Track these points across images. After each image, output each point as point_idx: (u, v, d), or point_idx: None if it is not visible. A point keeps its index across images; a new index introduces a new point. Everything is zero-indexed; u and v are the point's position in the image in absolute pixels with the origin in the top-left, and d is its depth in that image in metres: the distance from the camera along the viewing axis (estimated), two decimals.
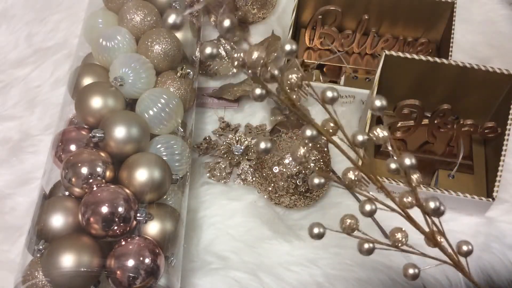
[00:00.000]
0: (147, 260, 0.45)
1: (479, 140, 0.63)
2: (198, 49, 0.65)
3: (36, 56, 0.72)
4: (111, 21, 0.60)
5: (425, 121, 0.59)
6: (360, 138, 0.36)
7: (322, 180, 0.35)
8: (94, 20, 0.60)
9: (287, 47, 0.33)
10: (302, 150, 0.34)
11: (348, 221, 0.37)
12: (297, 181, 0.57)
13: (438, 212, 0.37)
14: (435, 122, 0.58)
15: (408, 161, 0.35)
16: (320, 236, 0.36)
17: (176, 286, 0.50)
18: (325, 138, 0.36)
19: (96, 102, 0.52)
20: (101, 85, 0.54)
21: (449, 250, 0.39)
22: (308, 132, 0.34)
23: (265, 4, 0.75)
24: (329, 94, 0.35)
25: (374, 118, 0.64)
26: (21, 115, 0.67)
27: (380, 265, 0.57)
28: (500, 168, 0.56)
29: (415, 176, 0.38)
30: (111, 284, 0.46)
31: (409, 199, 0.37)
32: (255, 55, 0.31)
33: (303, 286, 0.56)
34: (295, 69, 0.34)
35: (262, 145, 0.33)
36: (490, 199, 0.56)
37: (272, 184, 0.58)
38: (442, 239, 0.39)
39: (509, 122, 0.57)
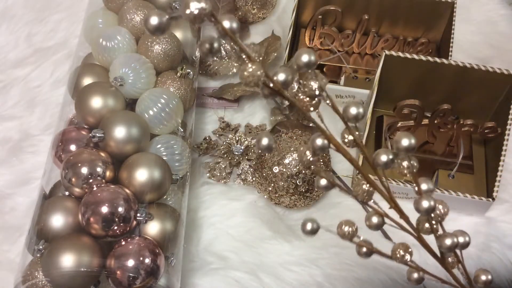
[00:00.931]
0: (147, 260, 0.45)
1: (479, 140, 0.63)
2: (198, 49, 0.65)
3: (36, 56, 0.72)
4: (111, 21, 0.60)
5: (425, 121, 0.59)
6: (384, 159, 0.32)
7: (380, 220, 0.34)
8: (94, 20, 0.60)
9: (304, 59, 0.30)
10: (308, 156, 0.32)
11: (346, 228, 0.35)
12: (297, 181, 0.57)
13: (463, 245, 0.35)
14: (435, 122, 0.58)
15: (406, 141, 0.31)
16: (313, 231, 0.34)
17: (176, 286, 0.50)
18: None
19: (96, 102, 0.52)
20: (101, 85, 0.54)
21: (461, 279, 0.37)
22: (319, 142, 0.33)
23: (265, 4, 0.75)
24: (353, 111, 0.32)
25: (374, 118, 0.64)
26: (21, 115, 0.67)
27: (380, 265, 0.57)
28: (500, 168, 0.56)
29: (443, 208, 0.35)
30: (111, 284, 0.46)
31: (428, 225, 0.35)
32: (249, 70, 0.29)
33: (303, 286, 0.56)
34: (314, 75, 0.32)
35: (264, 141, 0.30)
36: (490, 199, 0.56)
37: (272, 184, 0.58)
38: (460, 267, 0.36)
39: (509, 122, 0.57)
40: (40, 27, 0.74)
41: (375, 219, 0.34)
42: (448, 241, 0.33)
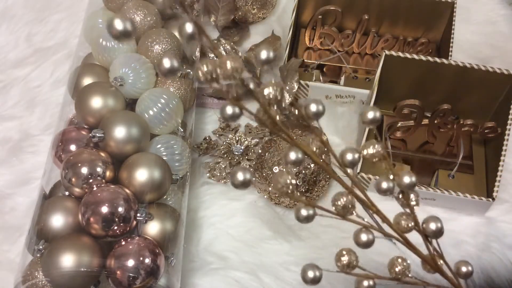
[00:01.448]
0: (147, 260, 0.45)
1: (479, 140, 0.63)
2: (198, 49, 0.65)
3: (36, 56, 0.72)
4: None
5: (425, 121, 0.59)
6: (349, 157, 0.32)
7: (311, 212, 0.32)
8: (94, 20, 0.60)
9: (263, 55, 0.29)
10: (287, 179, 0.31)
11: (346, 258, 0.33)
12: (297, 181, 0.57)
13: (439, 233, 0.34)
14: (435, 122, 0.58)
15: (407, 179, 0.31)
16: (316, 281, 0.32)
17: (176, 286, 0.50)
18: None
19: (96, 102, 0.52)
20: (101, 85, 0.54)
21: (449, 273, 0.36)
22: (293, 156, 0.31)
23: (265, 4, 0.75)
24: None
25: None
26: (21, 115, 0.67)
27: (380, 265, 0.57)
28: (500, 168, 0.56)
29: (413, 196, 0.34)
30: (111, 284, 0.46)
31: (407, 223, 0.34)
32: (229, 65, 0.28)
33: (303, 286, 0.56)
34: (272, 80, 0.32)
35: (240, 176, 0.30)
36: (490, 199, 0.56)
37: (272, 184, 0.58)
38: (441, 262, 0.36)
39: (509, 122, 0.57)
40: (40, 27, 0.74)
41: (364, 237, 0.33)
42: (432, 225, 0.33)
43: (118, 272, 0.45)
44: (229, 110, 0.30)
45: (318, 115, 0.31)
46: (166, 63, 0.27)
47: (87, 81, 0.55)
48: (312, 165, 0.57)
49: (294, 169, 0.57)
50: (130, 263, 0.45)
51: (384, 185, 0.32)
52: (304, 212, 0.32)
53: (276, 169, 0.57)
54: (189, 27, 0.27)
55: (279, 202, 0.60)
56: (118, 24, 0.26)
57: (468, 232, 0.59)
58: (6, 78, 0.70)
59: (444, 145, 0.62)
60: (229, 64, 0.28)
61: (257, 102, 0.31)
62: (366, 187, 0.60)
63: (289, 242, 0.58)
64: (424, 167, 0.62)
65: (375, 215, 0.34)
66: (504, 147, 0.57)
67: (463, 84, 0.59)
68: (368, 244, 0.33)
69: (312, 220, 0.32)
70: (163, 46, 0.57)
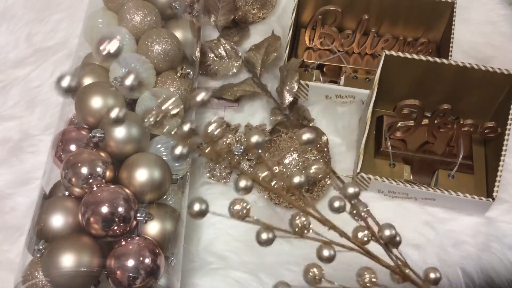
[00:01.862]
0: (147, 260, 0.45)
1: (479, 140, 0.63)
2: (198, 49, 0.65)
3: (36, 56, 0.72)
4: (111, 21, 0.60)
5: (425, 121, 0.59)
6: (296, 180, 0.35)
7: (271, 235, 0.34)
8: (94, 20, 0.60)
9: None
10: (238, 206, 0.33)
11: (312, 270, 0.35)
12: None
13: (394, 241, 0.35)
14: (435, 122, 0.58)
15: (351, 189, 0.34)
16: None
17: (176, 286, 0.50)
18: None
19: (96, 102, 0.52)
20: (101, 85, 0.54)
21: (417, 280, 0.37)
22: (242, 184, 0.34)
23: (265, 4, 0.75)
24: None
25: (374, 118, 0.64)
26: (21, 115, 0.67)
27: (380, 265, 0.57)
28: (500, 168, 0.56)
29: (363, 208, 0.36)
30: (111, 284, 0.46)
31: (364, 233, 0.35)
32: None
33: (303, 286, 0.56)
34: (216, 117, 0.33)
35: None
36: (490, 199, 0.56)
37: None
38: (407, 270, 0.37)
39: (509, 122, 0.57)
40: (40, 27, 0.74)
41: (326, 252, 0.34)
42: (387, 232, 0.35)
43: (118, 272, 0.45)
44: (178, 150, 0.32)
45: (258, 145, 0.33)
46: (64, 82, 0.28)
47: (87, 81, 0.55)
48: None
49: (294, 169, 0.57)
50: (130, 263, 0.45)
51: (336, 204, 0.35)
52: (264, 236, 0.35)
53: (276, 169, 0.57)
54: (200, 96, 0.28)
55: (279, 202, 0.60)
56: (65, 81, 0.27)
57: (468, 232, 0.59)
58: (6, 78, 0.70)
59: (444, 145, 0.62)
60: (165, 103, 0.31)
61: (203, 140, 0.33)
62: (366, 187, 0.60)
63: (289, 242, 0.58)
64: (424, 167, 0.62)
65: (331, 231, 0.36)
66: (504, 147, 0.57)
67: (463, 84, 0.59)
68: (330, 259, 0.35)
69: (271, 243, 0.35)
70: (163, 46, 0.57)
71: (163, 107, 0.30)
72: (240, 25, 0.74)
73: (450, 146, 0.62)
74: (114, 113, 0.28)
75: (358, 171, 0.58)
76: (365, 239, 0.35)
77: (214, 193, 0.61)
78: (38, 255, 0.47)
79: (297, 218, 0.35)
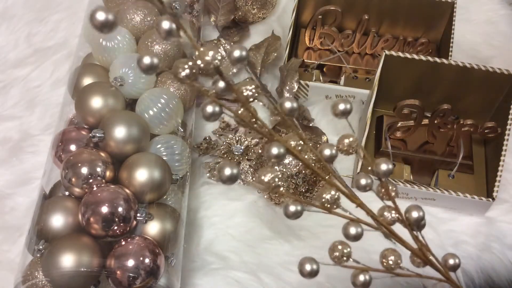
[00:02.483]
0: (147, 260, 0.45)
1: (479, 140, 0.63)
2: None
3: (36, 56, 0.72)
4: None
5: (425, 121, 0.59)
6: (327, 152, 0.33)
7: (299, 207, 0.32)
8: None
9: (236, 53, 0.29)
10: (269, 176, 0.32)
11: (340, 247, 0.34)
12: (297, 181, 0.57)
13: (420, 224, 0.35)
14: (435, 122, 0.58)
15: (384, 166, 0.32)
16: (313, 274, 0.33)
17: (176, 286, 0.50)
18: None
19: (96, 102, 0.52)
20: (101, 85, 0.54)
21: (438, 265, 0.36)
22: (275, 150, 0.31)
23: (265, 4, 0.75)
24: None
25: (374, 118, 0.64)
26: (21, 115, 0.67)
27: (380, 265, 0.57)
28: (500, 168, 0.56)
29: (392, 187, 0.35)
30: (111, 284, 0.46)
31: (390, 214, 0.34)
32: (208, 56, 0.28)
33: (303, 286, 0.56)
34: (247, 79, 0.32)
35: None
36: (490, 199, 0.56)
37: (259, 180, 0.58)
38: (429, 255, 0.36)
39: (509, 122, 0.57)
40: (40, 27, 0.74)
41: (353, 230, 0.33)
42: (414, 214, 0.34)
43: (118, 272, 0.45)
44: (209, 108, 0.30)
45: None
46: (146, 60, 0.27)
47: (87, 81, 0.55)
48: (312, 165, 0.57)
49: (294, 169, 0.57)
50: (130, 263, 0.45)
51: (363, 181, 0.33)
52: (292, 208, 0.32)
53: (276, 169, 0.57)
54: (166, 24, 0.27)
55: (279, 202, 0.60)
56: (100, 15, 0.26)
57: (468, 232, 0.59)
58: (6, 78, 0.70)
59: (444, 145, 0.62)
60: (208, 53, 0.28)
61: (237, 99, 0.31)
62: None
63: (289, 242, 0.58)
64: (424, 167, 0.62)
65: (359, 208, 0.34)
66: (504, 147, 0.57)
67: (463, 84, 0.59)
68: (357, 237, 0.34)
69: (300, 215, 0.33)
70: (163, 46, 0.57)
71: (205, 57, 0.28)
72: (240, 25, 0.74)
73: (450, 146, 0.62)
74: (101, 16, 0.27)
75: (358, 171, 0.58)
76: (391, 219, 0.34)
77: (214, 193, 0.61)
78: (38, 255, 0.47)
79: (327, 192, 0.33)
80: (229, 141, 0.64)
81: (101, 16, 0.26)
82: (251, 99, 0.31)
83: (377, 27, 0.69)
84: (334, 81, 0.69)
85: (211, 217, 0.60)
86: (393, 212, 0.35)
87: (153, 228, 0.49)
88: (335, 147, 0.34)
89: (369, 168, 0.34)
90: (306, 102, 0.67)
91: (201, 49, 0.29)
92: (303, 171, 0.56)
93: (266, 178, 0.32)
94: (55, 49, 0.73)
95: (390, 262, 0.35)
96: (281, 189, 0.32)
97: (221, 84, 0.30)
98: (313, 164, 0.34)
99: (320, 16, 0.67)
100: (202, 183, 0.62)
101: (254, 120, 0.32)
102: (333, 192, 0.33)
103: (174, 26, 0.27)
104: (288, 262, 0.57)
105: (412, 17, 0.67)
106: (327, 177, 0.34)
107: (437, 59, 0.58)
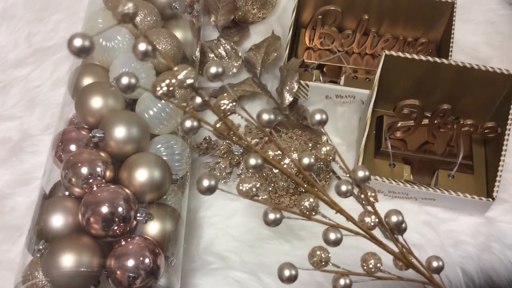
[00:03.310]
0: (147, 260, 0.45)
1: (479, 140, 0.63)
2: (198, 49, 0.65)
3: (36, 56, 0.72)
4: (111, 21, 0.60)
5: (425, 121, 0.59)
6: (306, 161, 0.34)
7: (278, 215, 0.34)
8: (94, 20, 0.60)
9: (213, 70, 0.31)
10: (246, 186, 0.33)
11: (318, 253, 0.35)
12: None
13: (401, 228, 0.35)
14: (435, 122, 0.58)
15: (361, 173, 0.33)
16: (291, 279, 0.34)
17: (176, 286, 0.50)
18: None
19: (96, 102, 0.52)
20: (101, 85, 0.54)
21: (421, 267, 0.37)
22: (252, 161, 0.33)
23: (265, 4, 0.75)
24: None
25: (374, 118, 0.64)
26: (21, 115, 0.67)
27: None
28: (500, 168, 0.56)
29: (371, 193, 0.36)
30: (111, 284, 0.46)
31: (371, 218, 0.35)
32: (182, 74, 0.30)
33: (303, 286, 0.56)
34: (225, 94, 0.33)
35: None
36: (490, 199, 0.56)
37: (272, 184, 0.58)
38: (411, 257, 0.37)
39: (509, 122, 0.57)
40: (40, 27, 0.74)
41: (332, 235, 0.34)
42: (394, 218, 0.35)
43: (118, 272, 0.45)
44: (188, 123, 0.31)
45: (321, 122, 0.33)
46: (205, 183, 0.30)
47: (87, 81, 0.55)
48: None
49: (294, 169, 0.57)
50: (130, 263, 0.45)
51: (343, 188, 0.34)
52: (271, 216, 0.34)
53: (276, 169, 0.57)
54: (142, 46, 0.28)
55: (279, 202, 0.60)
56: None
57: (468, 232, 0.59)
58: (6, 78, 0.70)
59: (444, 145, 0.62)
60: (181, 72, 0.30)
61: (214, 113, 0.32)
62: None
63: (289, 242, 0.58)
64: (424, 167, 0.62)
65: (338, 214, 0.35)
66: (504, 147, 0.57)
67: (463, 84, 0.59)
68: (337, 242, 0.35)
69: (280, 223, 0.34)
70: (163, 46, 0.57)
71: (178, 77, 0.30)
72: (240, 25, 0.74)
73: (450, 146, 0.62)
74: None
75: (335, 158, 0.58)
76: (372, 224, 0.35)
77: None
78: (38, 255, 0.47)
79: (305, 199, 0.34)
80: (229, 141, 0.64)
81: (78, 42, 0.27)
82: (228, 113, 0.32)
83: (377, 27, 0.69)
84: (334, 81, 0.69)
85: (211, 217, 0.60)
86: (373, 217, 0.35)
87: (153, 228, 0.49)
88: (313, 156, 0.35)
89: (347, 175, 0.35)
90: (306, 102, 0.67)
91: (175, 68, 0.30)
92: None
93: (244, 188, 0.33)
94: (55, 49, 0.73)
95: (370, 266, 0.36)
96: (260, 197, 0.34)
97: (198, 99, 0.31)
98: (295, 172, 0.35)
99: (320, 16, 0.67)
100: None
101: (232, 133, 0.32)
102: (311, 200, 0.34)
103: (150, 48, 0.28)
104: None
105: (412, 17, 0.67)
106: (305, 185, 0.34)
107: (437, 59, 0.58)
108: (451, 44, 0.65)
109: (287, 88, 0.65)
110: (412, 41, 0.68)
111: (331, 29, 0.68)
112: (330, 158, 0.35)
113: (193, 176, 0.62)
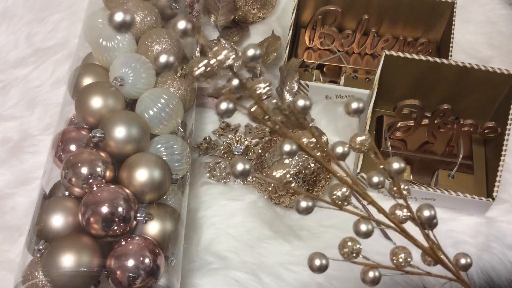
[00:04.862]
0: (147, 260, 0.45)
1: (479, 140, 0.63)
2: (198, 49, 0.65)
3: (36, 56, 0.72)
4: None
5: (425, 121, 0.59)
6: (339, 150, 0.34)
7: (310, 203, 0.33)
8: (94, 20, 0.60)
9: (250, 52, 0.30)
10: (280, 172, 0.32)
11: (349, 244, 0.34)
12: (297, 181, 0.57)
13: (432, 223, 0.35)
14: (435, 122, 0.58)
15: (396, 165, 0.32)
16: (322, 269, 0.33)
17: (176, 286, 0.50)
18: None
19: (96, 102, 0.52)
20: (101, 85, 0.54)
21: (449, 264, 0.37)
22: (287, 147, 0.32)
23: (265, 4, 0.75)
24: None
25: (374, 118, 0.64)
26: (21, 115, 0.67)
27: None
28: (500, 168, 0.56)
29: (404, 186, 0.35)
30: (111, 284, 0.46)
31: (402, 212, 0.34)
32: (221, 55, 0.29)
33: (303, 286, 0.56)
34: (261, 78, 0.33)
35: (239, 167, 0.30)
36: (490, 199, 0.56)
37: (272, 184, 0.58)
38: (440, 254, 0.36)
39: (509, 122, 0.57)
40: (40, 27, 0.74)
41: (363, 227, 0.33)
42: (426, 213, 0.34)
43: (118, 272, 0.45)
44: (223, 105, 0.31)
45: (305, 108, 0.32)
46: (162, 58, 0.28)
47: (87, 81, 0.55)
48: (312, 165, 0.57)
49: (294, 169, 0.57)
50: (130, 263, 0.45)
51: (375, 179, 0.33)
52: (303, 203, 0.33)
53: (287, 165, 0.57)
54: (181, 24, 0.27)
55: (279, 202, 0.60)
56: (118, 16, 0.26)
57: (468, 232, 0.59)
58: (6, 78, 0.70)
59: (444, 145, 0.62)
60: (221, 52, 0.29)
61: (251, 97, 0.31)
62: (366, 188, 0.60)
63: (289, 242, 0.58)
64: (424, 167, 0.62)
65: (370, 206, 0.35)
66: (504, 147, 0.57)
67: (463, 84, 0.59)
68: (368, 234, 0.34)
69: (311, 211, 0.33)
70: (163, 46, 0.57)
71: (218, 57, 0.29)
72: (240, 25, 0.74)
73: (450, 146, 0.62)
74: (119, 17, 0.27)
75: (358, 171, 0.58)
76: (403, 217, 0.34)
77: (214, 193, 0.61)
78: (38, 255, 0.47)
79: (338, 189, 0.33)
80: (229, 141, 0.64)
81: (119, 16, 0.26)
82: (264, 97, 0.31)
83: (377, 27, 0.69)
84: (334, 81, 0.69)
85: (211, 217, 0.60)
86: (405, 210, 0.34)
87: (153, 228, 0.49)
88: (347, 145, 0.34)
89: (382, 166, 0.34)
90: None
91: (215, 48, 0.29)
92: (303, 171, 0.56)
93: (278, 174, 0.32)
94: (55, 49, 0.73)
95: (400, 260, 0.35)
96: (293, 184, 0.33)
97: (235, 82, 0.30)
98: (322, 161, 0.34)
99: (320, 16, 0.67)
100: (202, 183, 0.62)
101: (267, 117, 0.32)
102: (344, 189, 0.33)
103: (189, 26, 0.28)
104: (288, 262, 0.57)
105: (412, 17, 0.67)
106: (338, 174, 0.34)
107: (437, 59, 0.58)
108: (451, 44, 0.65)
109: (287, 88, 0.65)
110: (412, 41, 0.68)
111: (331, 29, 0.68)
112: (365, 148, 0.34)
113: (193, 176, 0.62)
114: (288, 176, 0.32)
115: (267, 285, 0.56)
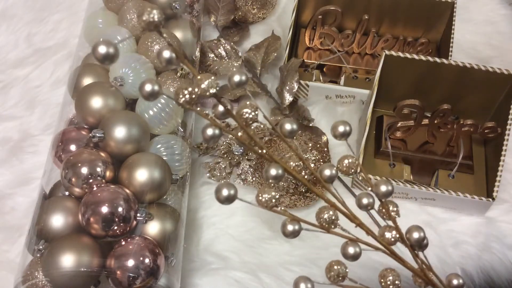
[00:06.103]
0: (147, 260, 0.45)
1: (479, 140, 0.63)
2: (198, 49, 0.65)
3: (36, 56, 0.72)
4: (111, 21, 0.60)
5: (425, 121, 0.59)
6: (327, 173, 0.33)
7: (297, 227, 0.33)
8: (94, 20, 0.60)
9: (236, 79, 0.31)
10: (266, 196, 0.33)
11: (336, 267, 0.34)
12: (297, 181, 0.57)
13: (422, 244, 0.35)
14: (435, 122, 0.58)
15: (384, 188, 0.33)
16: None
17: (176, 286, 0.50)
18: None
19: (96, 102, 0.52)
20: (101, 85, 0.54)
21: (440, 285, 0.36)
22: (273, 172, 0.32)
23: (265, 4, 0.75)
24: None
25: (374, 118, 0.64)
26: (21, 115, 0.67)
27: (380, 265, 0.56)
28: (500, 168, 0.56)
29: (393, 207, 0.35)
30: (111, 284, 0.46)
31: (391, 233, 0.34)
32: (204, 83, 0.30)
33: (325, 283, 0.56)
34: (248, 102, 0.33)
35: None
36: (490, 199, 0.56)
37: (272, 184, 0.58)
38: (431, 275, 0.36)
39: (509, 122, 0.57)
40: (40, 27, 0.74)
41: (351, 249, 0.34)
42: (415, 234, 0.34)
43: (118, 272, 0.45)
44: (210, 131, 0.32)
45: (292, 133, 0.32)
46: (166, 54, 0.29)
47: (87, 81, 0.55)
48: (312, 166, 0.57)
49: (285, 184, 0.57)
50: (130, 263, 0.45)
51: (365, 200, 0.34)
52: (290, 227, 0.34)
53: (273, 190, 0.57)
54: (166, 53, 0.28)
55: (279, 202, 0.59)
56: (102, 49, 0.27)
57: (468, 232, 0.59)
58: (6, 78, 0.70)
59: (444, 145, 0.62)
60: (204, 81, 0.30)
61: (236, 121, 0.32)
62: (366, 188, 0.60)
63: (289, 242, 0.58)
64: (424, 167, 0.62)
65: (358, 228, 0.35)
66: (504, 147, 0.57)
67: (463, 84, 0.59)
68: (355, 257, 0.34)
69: (298, 234, 0.33)
70: (163, 46, 0.57)
71: (201, 86, 0.30)
72: (240, 25, 0.74)
73: (450, 146, 0.62)
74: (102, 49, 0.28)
75: (358, 171, 0.58)
76: (392, 239, 0.34)
77: (214, 193, 0.61)
78: (38, 255, 0.47)
79: (325, 212, 0.34)
80: (229, 141, 0.64)
81: (102, 49, 0.27)
82: (251, 122, 0.32)
83: (377, 27, 0.69)
84: (334, 81, 0.69)
85: (211, 217, 0.60)
86: (394, 232, 0.34)
87: (153, 228, 0.49)
88: (335, 168, 0.34)
89: (369, 189, 0.34)
90: (306, 102, 0.67)
91: (198, 77, 0.30)
92: (303, 172, 0.56)
93: (263, 198, 0.33)
94: (55, 49, 0.73)
95: (388, 282, 0.35)
96: (279, 208, 0.33)
97: (221, 108, 0.31)
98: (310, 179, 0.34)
99: (320, 16, 0.67)
100: (202, 183, 0.62)
101: (253, 143, 0.32)
102: (331, 212, 0.33)
103: (173, 55, 0.29)
104: (288, 262, 0.57)
105: (412, 17, 0.67)
106: (326, 198, 0.34)
107: (437, 59, 0.58)
108: (451, 44, 0.65)
109: (287, 88, 0.65)
110: (412, 41, 0.68)
111: (331, 29, 0.68)
112: (352, 171, 0.34)
113: (193, 176, 0.62)
114: (273, 201, 0.33)
115: (267, 285, 0.56)
